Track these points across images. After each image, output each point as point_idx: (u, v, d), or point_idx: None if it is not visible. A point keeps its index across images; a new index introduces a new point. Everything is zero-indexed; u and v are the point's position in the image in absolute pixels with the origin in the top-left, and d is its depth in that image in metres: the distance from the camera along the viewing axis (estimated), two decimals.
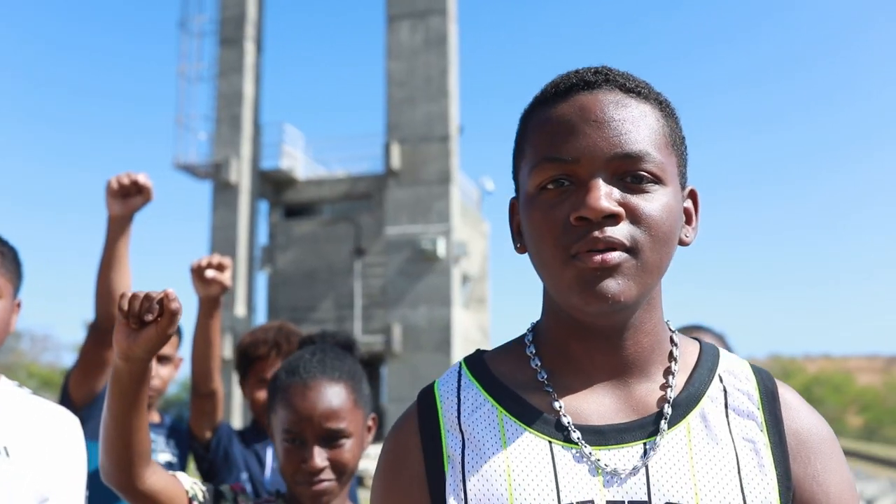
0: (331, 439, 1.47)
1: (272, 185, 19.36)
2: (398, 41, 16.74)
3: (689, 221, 0.91)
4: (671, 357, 0.90)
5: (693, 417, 0.86)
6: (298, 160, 20.06)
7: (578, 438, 0.83)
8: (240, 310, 17.29)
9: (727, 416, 0.87)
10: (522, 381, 0.90)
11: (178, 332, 2.60)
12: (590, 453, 0.83)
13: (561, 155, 0.83)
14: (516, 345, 0.95)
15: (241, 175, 17.94)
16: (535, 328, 0.95)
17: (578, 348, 0.88)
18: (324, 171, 20.33)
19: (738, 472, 0.83)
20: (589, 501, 0.81)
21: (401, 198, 16.39)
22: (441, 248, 15.83)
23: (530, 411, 0.86)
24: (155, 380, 2.47)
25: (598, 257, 0.79)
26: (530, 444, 0.84)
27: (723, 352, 0.95)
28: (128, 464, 1.32)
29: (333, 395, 1.48)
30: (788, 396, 0.91)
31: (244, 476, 2.38)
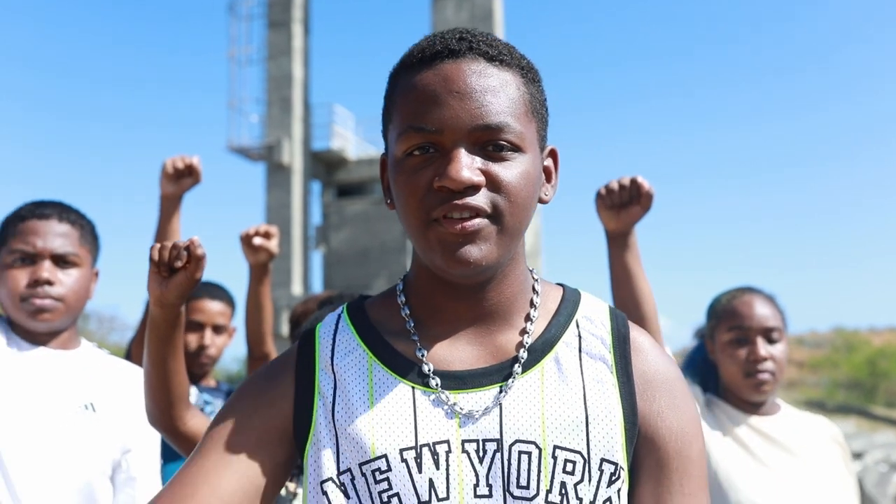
0: None
1: (324, 165, 19.62)
2: (444, 19, 16.75)
3: (549, 179, 0.97)
4: (532, 304, 0.96)
5: (548, 361, 0.92)
6: (349, 140, 20.27)
7: (437, 385, 0.89)
8: (296, 288, 17.65)
9: (580, 359, 0.93)
10: (393, 329, 0.95)
11: (231, 304, 2.76)
12: (447, 398, 0.89)
13: (426, 125, 0.85)
14: (391, 293, 1.00)
15: (294, 156, 18.23)
16: (405, 279, 1.00)
17: (443, 300, 0.93)
18: (374, 151, 20.51)
19: (585, 410, 0.89)
20: (444, 441, 0.87)
21: None
22: None
23: (396, 358, 0.92)
24: (211, 348, 2.64)
25: (459, 225, 0.84)
26: (394, 390, 0.90)
27: (584, 296, 1.00)
28: (168, 405, 1.46)
29: None
30: (640, 339, 0.97)
31: None
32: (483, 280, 0.91)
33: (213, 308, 2.66)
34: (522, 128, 0.88)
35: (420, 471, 0.86)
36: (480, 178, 0.85)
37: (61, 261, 1.71)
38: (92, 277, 1.81)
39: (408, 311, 0.96)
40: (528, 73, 0.92)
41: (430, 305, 0.95)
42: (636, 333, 0.98)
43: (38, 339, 1.73)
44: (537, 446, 0.87)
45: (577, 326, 0.95)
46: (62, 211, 1.74)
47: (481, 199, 0.85)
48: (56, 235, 1.71)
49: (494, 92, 0.86)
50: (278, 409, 0.93)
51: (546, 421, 0.88)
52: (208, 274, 2.38)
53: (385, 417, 0.89)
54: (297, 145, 18.40)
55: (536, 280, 0.99)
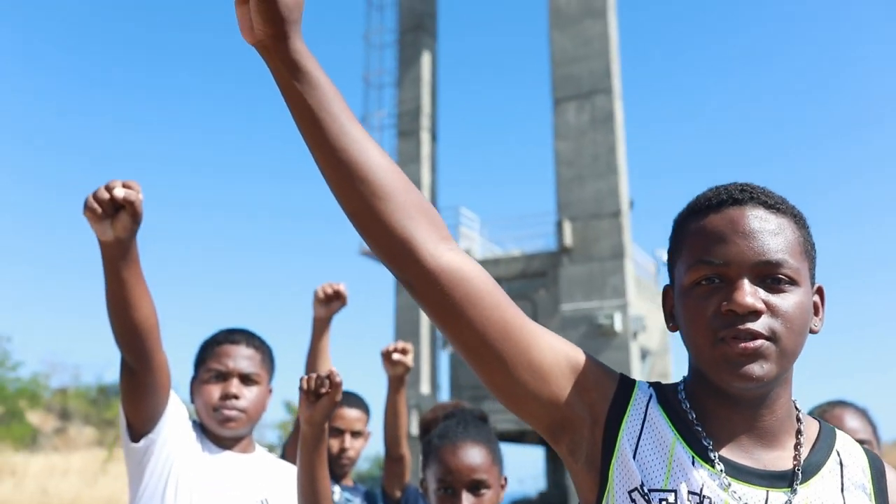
0: (475, 488, 1.79)
1: None
2: (565, 122, 17.18)
3: (816, 313, 1.09)
4: (798, 431, 1.07)
5: (814, 482, 1.03)
6: (475, 241, 20.79)
7: (721, 470, 1.01)
8: (424, 388, 17.94)
9: (842, 484, 1.04)
10: (680, 417, 1.08)
11: (367, 411, 3.06)
12: (728, 481, 1.00)
13: (714, 259, 1.01)
14: (673, 390, 1.11)
15: None
16: (684, 383, 1.12)
17: (720, 409, 1.05)
18: (499, 251, 20.92)
19: None
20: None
21: (575, 274, 16.57)
22: (618, 323, 15.76)
23: (689, 434, 1.05)
24: (350, 451, 2.93)
25: (743, 344, 0.97)
26: (687, 456, 1.03)
27: (838, 432, 1.12)
28: (315, 502, 1.74)
29: (476, 454, 1.81)
30: (892, 476, 1.09)
31: None
32: (760, 395, 1.03)
33: (351, 415, 2.95)
34: (797, 265, 1.02)
35: None
36: (762, 306, 0.99)
37: (246, 379, 2.06)
38: (267, 393, 2.15)
39: (688, 405, 1.08)
40: (800, 220, 1.08)
41: (707, 411, 1.07)
42: (888, 469, 1.11)
43: (224, 443, 2.07)
44: None
45: (839, 455, 1.07)
46: (249, 337, 2.11)
47: (762, 324, 0.98)
48: (243, 358, 2.07)
49: (773, 234, 1.02)
50: (600, 390, 1.07)
51: None
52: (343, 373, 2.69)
53: (678, 468, 1.02)
54: None
55: (799, 410, 1.11)
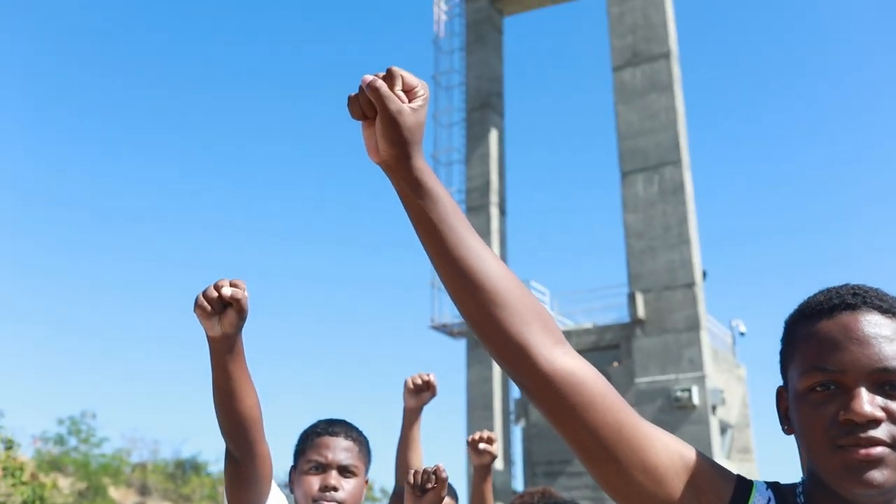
0: None
1: None
2: (634, 193, 17.19)
3: None
4: None
5: None
6: None
7: None
8: (497, 463, 17.71)
9: None
10: None
11: (455, 496, 3.13)
12: None
13: (829, 366, 1.00)
14: (791, 490, 1.10)
15: None
16: (803, 486, 1.10)
17: None
18: (571, 324, 20.78)
19: None
20: None
21: (649, 347, 16.34)
22: (696, 397, 15.40)
23: None
24: None
25: (864, 451, 0.96)
26: None
27: None
28: None
29: None
30: None
31: None
32: (880, 503, 1.01)
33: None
34: None
35: None
36: (882, 414, 0.97)
37: (345, 471, 2.16)
38: (364, 484, 2.24)
39: None
40: None
41: None
42: None
43: None
44: None
45: None
46: (348, 430, 2.22)
47: (882, 432, 0.97)
48: (342, 450, 2.17)
49: (889, 340, 1.01)
50: (716, 491, 1.06)
51: None
52: None
53: None
54: None
55: None
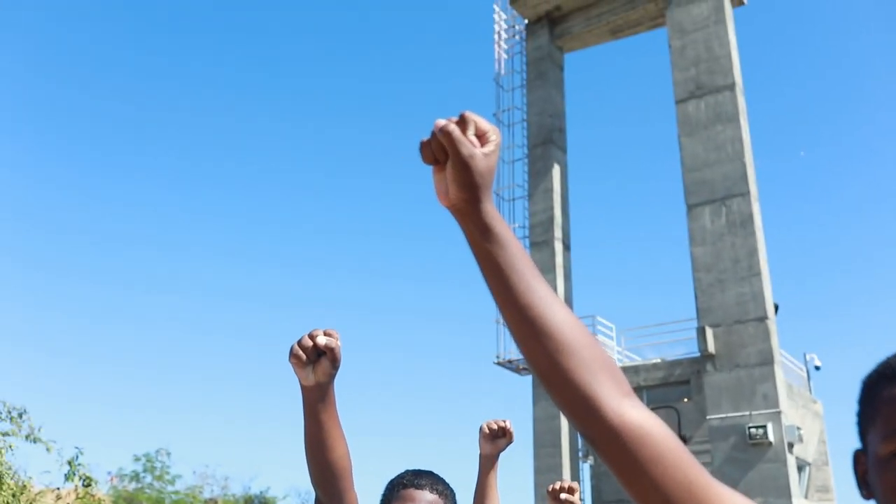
0: None
1: None
2: (701, 226, 16.96)
3: None
4: None
5: None
6: (612, 350, 20.45)
7: None
8: None
9: None
10: None
11: None
12: None
13: None
14: None
15: None
16: None
17: None
18: (638, 359, 20.48)
19: None
20: None
21: (721, 382, 15.98)
22: (771, 434, 14.98)
23: None
24: None
25: None
26: None
27: None
28: None
29: None
30: None
31: None
32: None
33: None
34: None
35: None
36: None
37: None
38: None
39: None
40: None
41: None
42: None
43: None
44: None
45: None
46: (434, 482, 2.24)
47: None
48: (427, 503, 2.20)
49: None
50: None
51: None
52: None
53: None
54: None
55: None
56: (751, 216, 16.50)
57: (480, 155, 0.99)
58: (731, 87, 17.46)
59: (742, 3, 19.61)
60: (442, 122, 0.99)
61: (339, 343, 1.68)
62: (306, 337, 1.67)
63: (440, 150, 1.00)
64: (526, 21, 21.67)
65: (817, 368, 19.68)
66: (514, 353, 19.99)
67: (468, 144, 0.98)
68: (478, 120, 1.01)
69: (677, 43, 18.36)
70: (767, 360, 15.59)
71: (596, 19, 20.59)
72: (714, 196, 16.98)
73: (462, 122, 1.01)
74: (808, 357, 19.68)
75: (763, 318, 15.82)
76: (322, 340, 1.66)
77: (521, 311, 0.99)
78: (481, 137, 1.01)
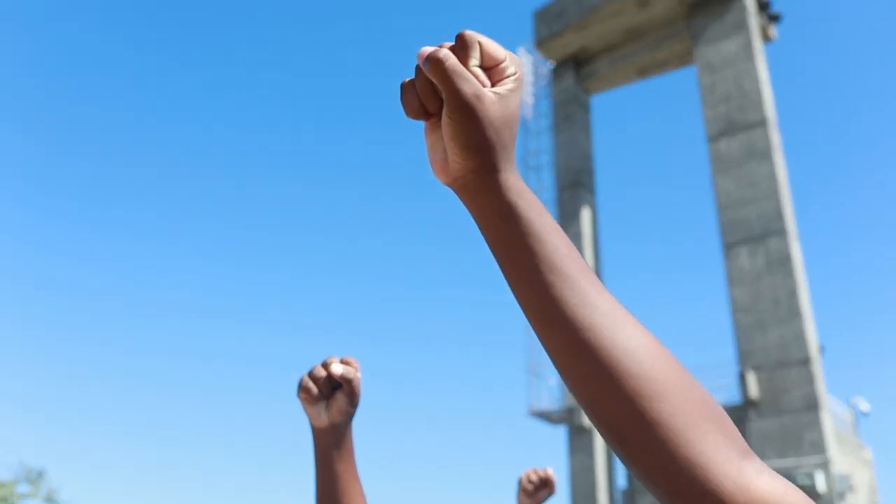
0: None
1: None
2: (738, 266, 16.50)
3: None
4: None
5: None
6: None
7: None
8: None
9: None
10: None
11: None
12: None
13: None
14: None
15: None
16: None
17: None
18: None
19: None
20: None
21: (765, 429, 15.32)
22: (821, 483, 14.26)
23: None
24: None
25: None
26: None
27: None
28: None
29: None
30: None
31: None
32: None
33: None
34: None
35: None
36: None
37: None
38: None
39: None
40: None
41: None
42: None
43: None
44: None
45: None
46: None
47: None
48: None
49: None
50: None
51: None
52: None
53: None
54: None
55: None
56: (788, 255, 15.98)
57: (492, 97, 0.65)
58: (763, 123, 17.08)
59: (771, 39, 19.34)
60: (429, 49, 0.65)
61: (358, 374, 1.38)
62: (319, 367, 1.37)
63: (430, 96, 0.67)
64: (551, 64, 21.56)
65: (864, 414, 18.91)
66: (546, 402, 19.47)
67: (472, 80, 0.64)
68: (485, 42, 0.68)
69: (707, 80, 18.08)
70: (813, 405, 14.93)
71: (622, 60, 20.42)
72: (751, 235, 16.52)
73: (462, 47, 0.67)
74: (853, 401, 18.92)
75: (806, 361, 15.19)
76: (338, 370, 1.36)
77: (574, 333, 0.64)
78: (493, 70, 0.67)
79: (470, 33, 0.66)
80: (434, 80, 0.64)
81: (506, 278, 0.67)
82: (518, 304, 0.67)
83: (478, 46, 0.66)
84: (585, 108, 21.40)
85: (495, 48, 0.67)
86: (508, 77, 0.67)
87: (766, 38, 19.25)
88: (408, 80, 0.68)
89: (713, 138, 17.62)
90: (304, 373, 1.37)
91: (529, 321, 0.66)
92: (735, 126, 17.38)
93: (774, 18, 19.48)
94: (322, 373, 1.36)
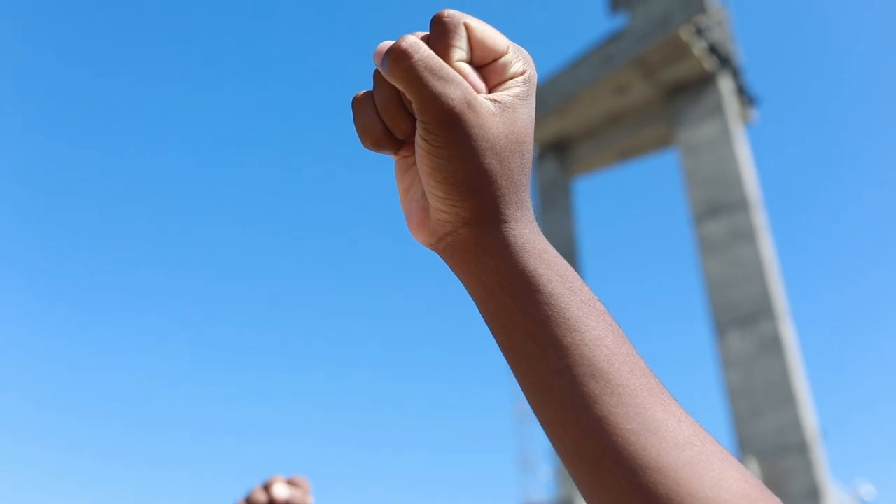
0: None
1: None
2: (729, 349, 16.20)
3: None
4: None
5: None
6: None
7: None
8: None
9: None
10: None
11: None
12: None
13: None
14: None
15: None
16: None
17: None
18: None
19: None
20: None
21: None
22: None
23: None
24: None
25: None
26: None
27: None
28: None
29: None
30: None
31: None
32: None
33: None
34: None
35: None
36: None
37: None
38: None
39: None
40: None
41: None
42: None
43: None
44: None
45: None
46: None
47: None
48: None
49: None
50: None
51: None
52: None
53: None
54: None
55: None
56: (778, 338, 15.70)
57: (490, 107, 0.44)
58: (745, 205, 17.05)
59: (750, 121, 19.54)
60: (389, 43, 0.44)
61: (308, 499, 1.04)
62: (258, 490, 1.04)
63: (396, 112, 0.45)
64: (535, 150, 21.69)
65: (869, 502, 18.29)
66: (539, 494, 18.80)
67: (459, 82, 0.43)
68: (476, 26, 0.45)
69: (688, 163, 18.15)
70: (814, 493, 14.41)
71: (603, 144, 20.56)
72: (740, 316, 16.26)
73: (441, 34, 0.44)
74: (857, 488, 18.32)
75: (804, 447, 14.73)
76: (282, 493, 1.03)
77: (632, 479, 0.42)
78: (490, 68, 0.46)
79: (451, 12, 0.44)
80: (399, 87, 0.42)
81: (520, 384, 0.45)
82: (540, 424, 0.45)
83: (464, 32, 0.44)
84: (568, 193, 21.42)
85: (492, 35, 0.45)
86: (514, 78, 0.46)
87: (746, 119, 19.44)
88: (362, 92, 0.46)
89: (698, 220, 17.56)
90: (240, 497, 1.04)
91: (557, 452, 0.44)
92: (719, 208, 17.34)
93: (752, 101, 19.73)
94: (262, 498, 1.04)
